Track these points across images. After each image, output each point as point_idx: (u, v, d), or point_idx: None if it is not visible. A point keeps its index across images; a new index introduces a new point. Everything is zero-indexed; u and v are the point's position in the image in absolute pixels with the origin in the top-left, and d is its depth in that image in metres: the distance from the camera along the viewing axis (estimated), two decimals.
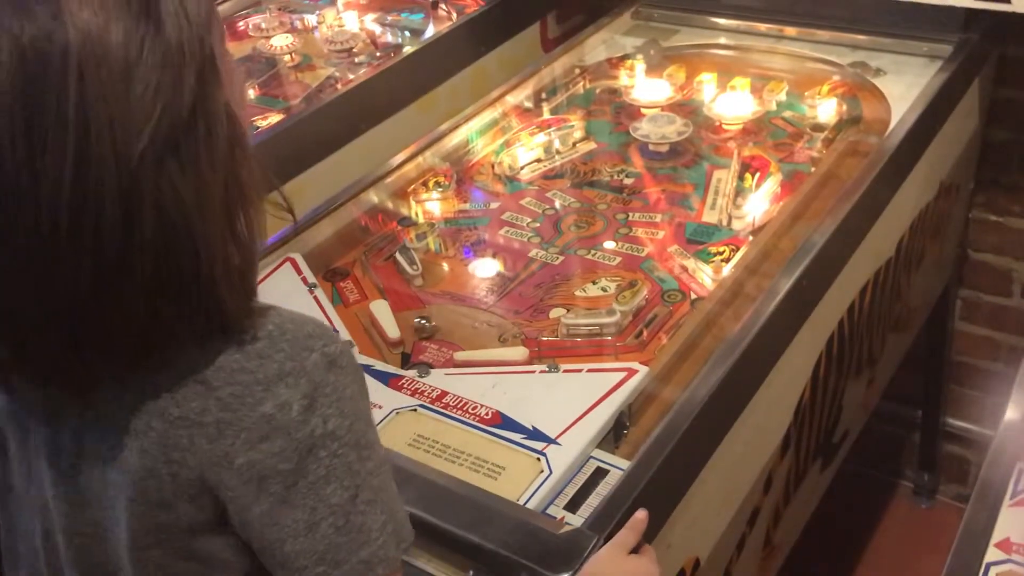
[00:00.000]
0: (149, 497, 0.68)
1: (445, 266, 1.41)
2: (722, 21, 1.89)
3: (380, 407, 1.10)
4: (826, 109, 1.62)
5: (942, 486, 2.26)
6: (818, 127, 1.59)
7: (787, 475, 1.37)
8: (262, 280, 1.33)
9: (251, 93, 1.94)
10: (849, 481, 1.83)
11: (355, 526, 0.69)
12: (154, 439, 0.67)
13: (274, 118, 1.79)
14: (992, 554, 0.88)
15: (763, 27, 1.85)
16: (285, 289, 1.31)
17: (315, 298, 1.29)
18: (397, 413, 1.09)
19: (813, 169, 1.49)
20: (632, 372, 1.11)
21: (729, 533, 1.22)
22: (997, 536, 0.90)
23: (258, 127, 1.76)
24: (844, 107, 1.62)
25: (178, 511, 0.69)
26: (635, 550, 0.93)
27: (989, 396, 2.10)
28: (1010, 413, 1.04)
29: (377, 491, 0.71)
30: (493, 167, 1.61)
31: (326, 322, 1.23)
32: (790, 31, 1.82)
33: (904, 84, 1.62)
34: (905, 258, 1.61)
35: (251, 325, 0.69)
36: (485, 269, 1.38)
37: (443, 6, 2.11)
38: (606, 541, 0.91)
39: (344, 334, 1.22)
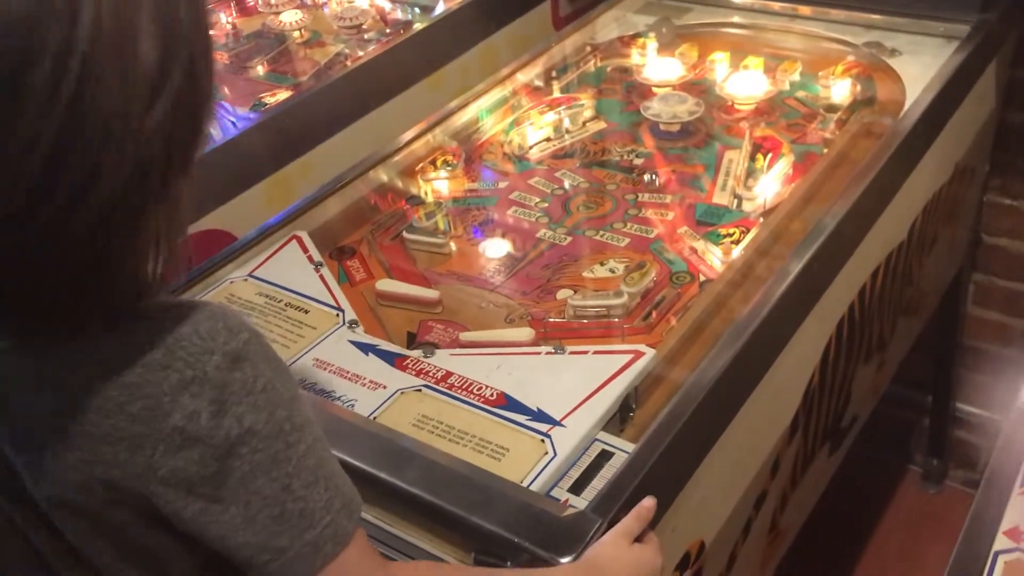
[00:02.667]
0: (87, 507, 0.69)
1: (453, 245, 1.40)
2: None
3: (385, 387, 1.09)
4: (840, 89, 1.59)
5: (951, 471, 2.25)
6: (831, 108, 1.56)
7: (795, 459, 1.36)
8: (269, 258, 1.33)
9: (260, 69, 1.93)
10: (858, 466, 1.82)
11: (294, 512, 0.69)
12: (80, 457, 0.67)
13: (283, 95, 1.78)
14: (1001, 542, 0.87)
15: (777, 6, 1.82)
16: (290, 267, 1.30)
17: (321, 276, 1.28)
18: (402, 393, 1.08)
19: (826, 150, 1.47)
20: (639, 355, 1.10)
21: (735, 517, 1.21)
22: (1006, 524, 0.89)
23: (266, 104, 1.75)
24: (858, 88, 1.59)
25: (119, 515, 0.69)
26: (640, 538, 0.92)
27: (1000, 381, 2.08)
28: (1022, 399, 1.03)
29: (315, 471, 0.70)
30: (502, 146, 1.60)
31: (330, 299, 1.23)
32: (805, 10, 1.80)
33: (920, 65, 1.60)
34: (918, 242, 1.59)
35: (150, 326, 0.67)
36: (493, 249, 1.37)
37: None
38: (610, 525, 0.90)
39: (350, 313, 1.22)
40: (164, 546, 0.71)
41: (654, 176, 1.48)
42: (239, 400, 0.67)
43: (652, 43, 1.78)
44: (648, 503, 0.92)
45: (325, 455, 0.72)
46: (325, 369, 1.13)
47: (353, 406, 1.07)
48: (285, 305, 1.23)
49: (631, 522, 0.90)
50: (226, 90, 1.86)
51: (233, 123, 1.72)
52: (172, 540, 0.71)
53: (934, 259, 1.74)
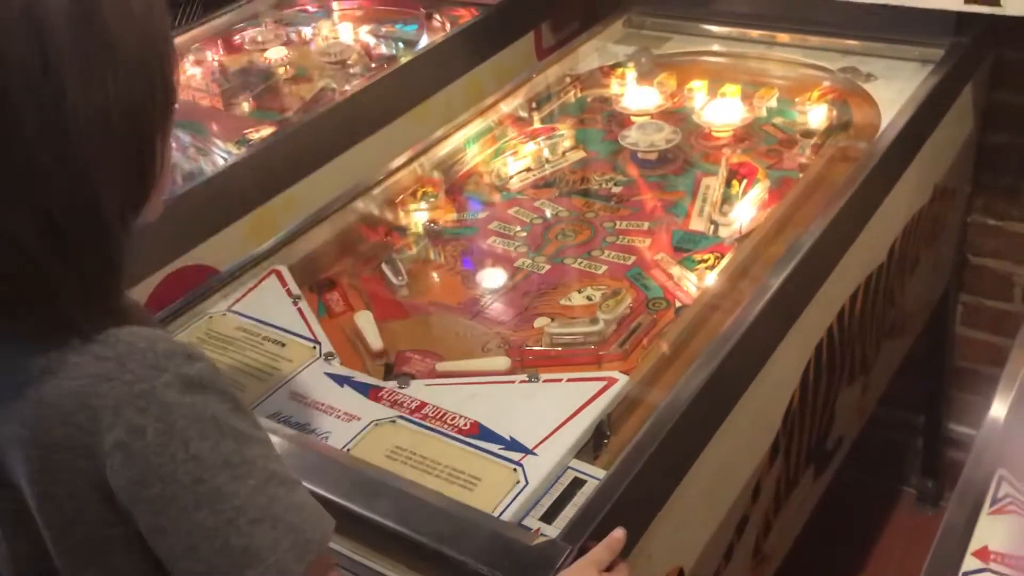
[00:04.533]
0: (53, 517, 0.69)
1: (435, 275, 1.41)
2: (714, 28, 1.89)
3: (359, 419, 1.10)
4: (816, 115, 1.61)
5: (946, 493, 2.23)
6: (808, 133, 1.58)
7: (777, 483, 1.36)
8: (248, 292, 1.34)
9: (246, 106, 1.96)
10: (851, 488, 1.81)
11: (237, 549, 0.68)
12: (37, 467, 0.68)
13: (267, 130, 1.80)
14: (969, 563, 0.87)
15: (755, 33, 1.85)
16: (269, 301, 1.31)
17: (299, 310, 1.29)
18: (376, 424, 1.09)
19: (801, 175, 1.48)
20: (612, 381, 1.11)
21: (715, 542, 1.21)
22: (975, 544, 0.89)
23: (250, 140, 1.77)
24: (834, 113, 1.61)
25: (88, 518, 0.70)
26: (611, 567, 0.92)
27: (992, 401, 2.08)
28: (993, 413, 1.03)
29: (265, 508, 0.69)
30: (483, 176, 1.61)
31: (307, 332, 1.24)
32: (782, 37, 1.82)
33: (895, 89, 1.61)
34: (899, 263, 1.60)
35: (103, 331, 0.68)
36: (471, 279, 1.38)
37: (437, 17, 2.12)
38: (580, 552, 0.91)
39: (327, 346, 1.23)
40: (124, 565, 0.72)
41: (631, 204, 1.49)
42: (187, 425, 0.67)
43: (631, 72, 1.80)
44: (618, 534, 0.92)
45: (280, 493, 0.71)
46: (300, 401, 1.14)
47: (327, 438, 1.08)
48: (263, 339, 1.24)
49: (600, 552, 0.90)
50: (213, 126, 1.89)
51: (224, 159, 1.74)
52: (137, 558, 0.71)
53: (917, 280, 1.74)
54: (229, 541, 0.68)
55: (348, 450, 1.06)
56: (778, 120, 1.64)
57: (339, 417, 1.10)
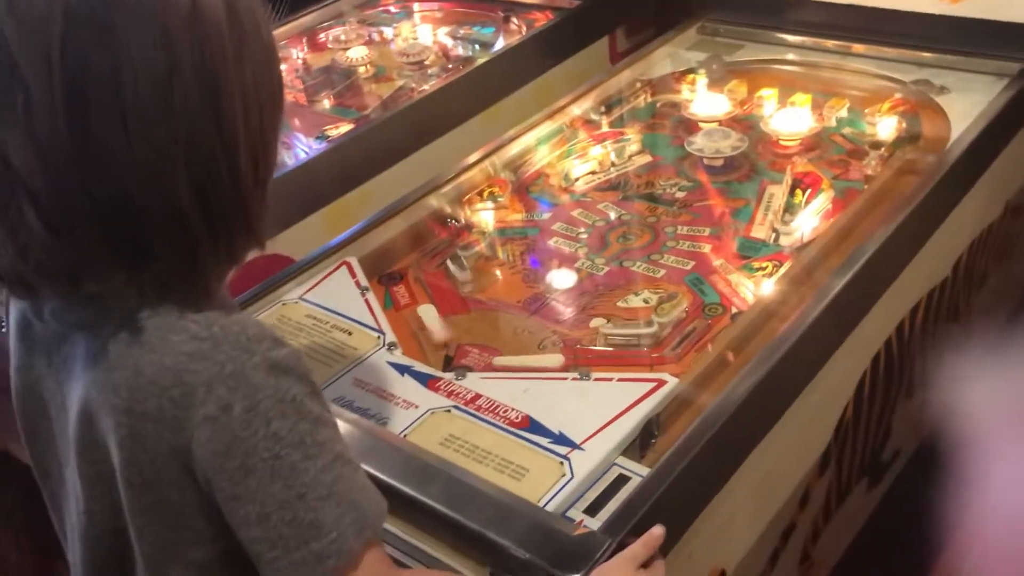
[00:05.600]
0: (135, 479, 0.75)
1: (498, 273, 1.45)
2: (788, 37, 1.90)
3: (417, 407, 1.15)
4: (885, 126, 1.60)
5: None
6: (876, 144, 1.57)
7: (827, 492, 1.37)
8: (320, 282, 1.40)
9: (326, 103, 2.03)
10: (914, 500, 1.78)
11: (304, 521, 0.73)
12: (125, 433, 0.73)
13: (346, 127, 1.87)
14: None
15: (829, 43, 1.84)
16: (339, 291, 1.37)
17: (366, 301, 1.35)
18: (432, 413, 1.14)
19: (866, 186, 1.48)
20: (662, 383, 1.14)
21: (760, 546, 1.23)
22: None
23: (329, 135, 1.84)
24: (904, 124, 1.60)
25: (164, 490, 0.75)
26: (648, 564, 0.95)
27: None
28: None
29: (331, 487, 0.74)
30: (549, 178, 1.65)
31: (372, 322, 1.30)
32: (857, 48, 1.82)
33: (968, 102, 1.60)
34: (964, 278, 1.59)
35: (205, 318, 0.74)
36: (532, 277, 1.42)
37: (514, 20, 2.16)
38: (620, 546, 0.94)
39: (390, 336, 1.28)
40: (193, 527, 0.77)
41: (694, 210, 1.52)
42: (270, 405, 0.73)
43: (702, 79, 1.82)
44: (656, 531, 0.95)
45: (345, 473, 0.77)
46: (363, 388, 1.19)
47: (386, 423, 1.13)
48: (331, 327, 1.30)
49: (639, 548, 0.93)
50: (296, 121, 1.96)
51: (305, 152, 1.82)
52: (204, 523, 0.77)
53: (985, 297, 1.72)
54: (298, 514, 0.73)
55: (405, 436, 1.11)
56: (847, 130, 1.64)
57: (398, 404, 1.16)
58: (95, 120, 0.67)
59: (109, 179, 0.69)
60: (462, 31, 2.20)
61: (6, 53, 0.66)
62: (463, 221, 1.56)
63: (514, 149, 1.69)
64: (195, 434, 0.72)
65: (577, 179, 1.64)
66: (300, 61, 2.19)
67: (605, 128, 1.75)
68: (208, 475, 0.73)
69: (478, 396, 1.15)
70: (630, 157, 1.67)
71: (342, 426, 1.02)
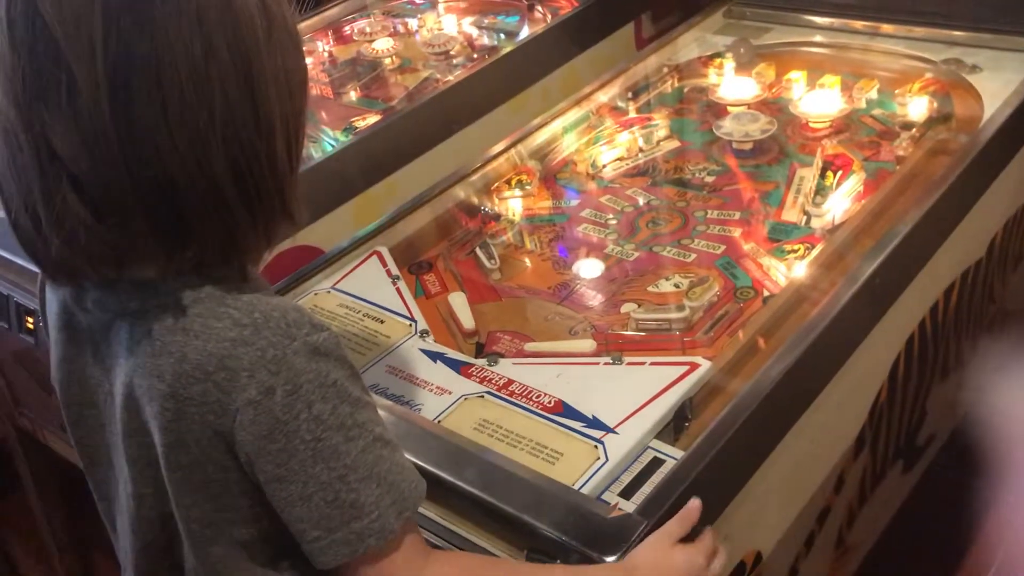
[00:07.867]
0: (179, 461, 0.77)
1: (528, 261, 1.45)
2: (816, 19, 1.88)
3: (450, 393, 1.15)
4: (916, 107, 1.59)
5: None
6: (907, 125, 1.56)
7: (862, 475, 1.37)
8: (351, 271, 1.41)
9: (353, 95, 2.04)
10: (949, 486, 1.77)
11: (346, 502, 0.75)
12: (170, 417, 0.75)
13: (372, 118, 1.87)
14: None
15: (859, 24, 1.83)
16: (370, 280, 1.38)
17: (397, 289, 1.35)
18: (465, 399, 1.14)
19: (898, 168, 1.47)
20: (695, 366, 1.14)
21: (795, 530, 1.22)
22: None
23: (356, 127, 1.85)
24: (935, 105, 1.58)
25: (210, 470, 0.77)
26: (689, 539, 0.95)
27: None
28: None
29: (371, 468, 0.76)
30: (576, 165, 1.65)
31: (404, 311, 1.31)
32: (886, 28, 1.80)
33: (1001, 81, 1.58)
34: (999, 258, 1.57)
35: (247, 302, 0.75)
36: (561, 265, 1.42)
37: (539, 8, 2.16)
38: (655, 527, 0.94)
39: (422, 324, 1.28)
40: (236, 506, 0.79)
41: (723, 194, 1.51)
42: (312, 388, 0.74)
43: (729, 63, 1.81)
44: (693, 504, 0.95)
45: (384, 454, 0.78)
46: (396, 375, 1.20)
47: (420, 410, 1.14)
48: (363, 316, 1.31)
49: (674, 525, 0.93)
50: (322, 114, 1.97)
51: (331, 145, 1.83)
52: (247, 502, 0.78)
53: (1021, 277, 1.70)
54: (340, 495, 0.75)
55: (439, 422, 1.11)
56: (877, 112, 1.63)
57: (431, 391, 1.16)
58: (138, 105, 0.68)
59: (152, 163, 0.70)
60: (487, 20, 2.20)
61: (49, 38, 0.67)
62: (491, 210, 1.56)
63: (541, 137, 1.69)
64: (238, 418, 0.73)
65: (605, 166, 1.63)
66: (326, 54, 2.20)
67: (632, 114, 1.75)
68: (251, 457, 0.75)
69: (511, 382, 1.16)
70: (658, 143, 1.66)
71: None
